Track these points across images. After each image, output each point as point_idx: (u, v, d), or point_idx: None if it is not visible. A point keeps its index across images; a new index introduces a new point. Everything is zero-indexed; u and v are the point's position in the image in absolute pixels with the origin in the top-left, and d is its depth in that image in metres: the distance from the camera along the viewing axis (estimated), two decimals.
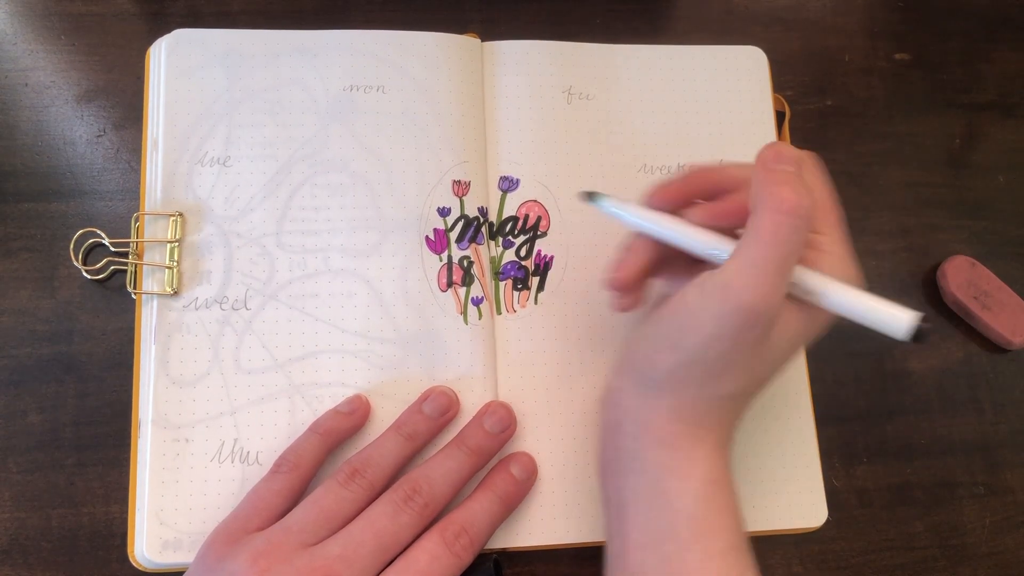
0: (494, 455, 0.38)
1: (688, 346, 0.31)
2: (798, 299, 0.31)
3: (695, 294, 0.31)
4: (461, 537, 0.35)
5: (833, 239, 0.32)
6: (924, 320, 0.29)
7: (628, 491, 0.33)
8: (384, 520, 0.34)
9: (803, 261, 0.31)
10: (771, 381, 0.33)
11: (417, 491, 0.35)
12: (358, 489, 0.35)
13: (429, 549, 0.34)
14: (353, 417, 0.38)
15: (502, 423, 0.38)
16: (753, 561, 0.32)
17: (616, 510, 0.34)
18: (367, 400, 0.39)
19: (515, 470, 0.38)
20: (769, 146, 0.31)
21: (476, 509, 0.36)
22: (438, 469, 0.36)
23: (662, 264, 0.36)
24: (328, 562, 0.32)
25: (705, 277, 0.31)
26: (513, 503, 0.38)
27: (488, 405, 0.39)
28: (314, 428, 0.38)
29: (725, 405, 0.33)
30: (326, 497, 0.34)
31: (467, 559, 0.35)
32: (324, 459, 0.37)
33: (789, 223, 0.29)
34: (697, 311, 0.31)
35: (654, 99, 0.46)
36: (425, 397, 0.39)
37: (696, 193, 0.35)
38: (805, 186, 0.30)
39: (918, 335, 0.29)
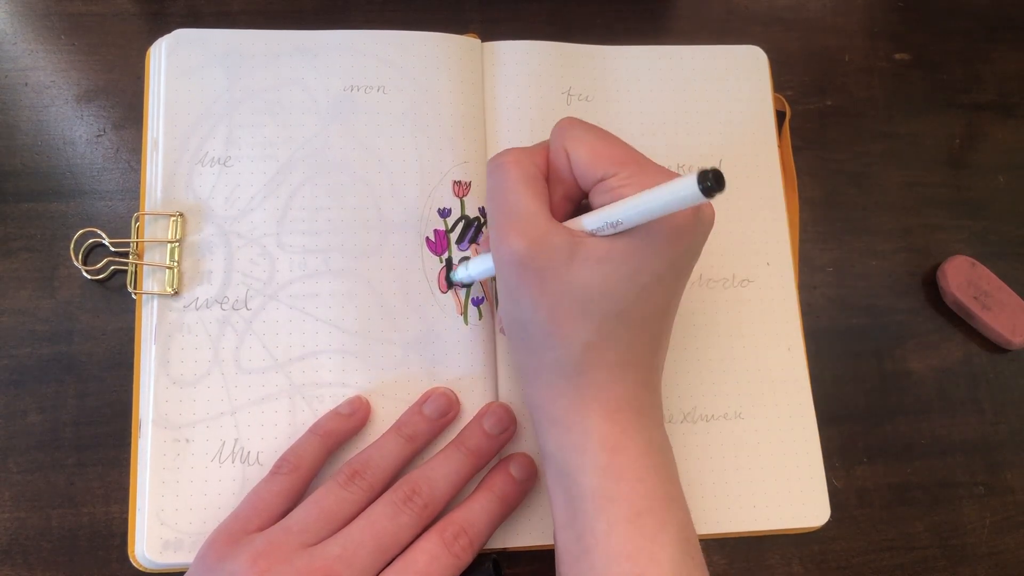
0: (494, 456, 0.38)
1: (517, 321, 0.33)
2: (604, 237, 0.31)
3: (496, 280, 0.33)
4: (460, 538, 0.35)
5: (623, 177, 0.32)
6: (706, 174, 0.26)
7: (548, 477, 0.34)
8: (384, 521, 0.34)
9: (599, 205, 0.32)
10: (637, 317, 0.32)
11: (417, 492, 0.35)
12: (358, 490, 0.35)
13: (428, 550, 0.34)
14: (353, 419, 0.38)
15: (501, 424, 0.38)
16: (678, 518, 0.32)
17: (549, 497, 0.35)
18: (367, 401, 0.39)
19: (514, 470, 0.38)
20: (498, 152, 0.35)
21: (475, 509, 0.36)
22: (438, 470, 0.36)
23: None
24: (328, 562, 0.32)
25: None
26: (513, 503, 0.38)
27: (488, 406, 0.39)
28: (314, 430, 0.38)
29: (595, 363, 0.32)
30: (326, 498, 0.35)
31: (466, 559, 0.35)
32: (324, 460, 0.37)
33: (496, 165, 0.34)
34: (501, 290, 0.34)
35: (654, 99, 0.46)
36: (425, 398, 0.39)
37: None
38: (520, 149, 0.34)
39: (707, 186, 0.25)
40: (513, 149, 0.35)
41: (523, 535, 0.39)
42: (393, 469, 0.36)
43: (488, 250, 0.36)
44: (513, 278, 0.32)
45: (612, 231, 0.31)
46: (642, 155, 0.33)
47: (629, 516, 0.31)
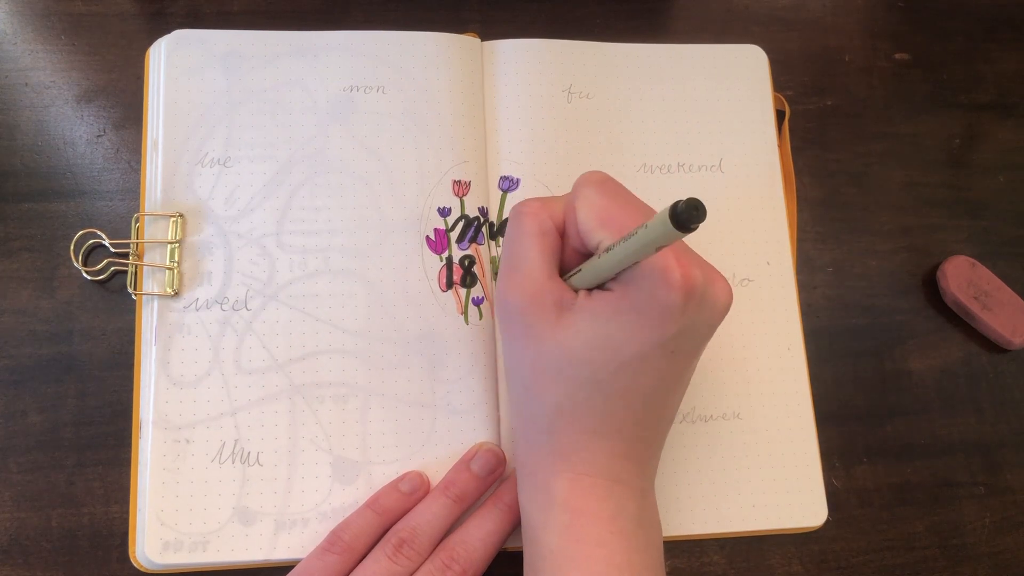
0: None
1: (507, 370, 0.34)
2: (596, 292, 0.31)
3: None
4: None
5: (610, 233, 0.31)
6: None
7: (522, 531, 0.35)
8: None
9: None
10: (613, 388, 0.31)
11: (455, 559, 0.35)
12: (406, 560, 0.35)
13: None
14: (413, 497, 0.38)
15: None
16: None
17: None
18: (427, 479, 0.38)
19: None
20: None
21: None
22: (475, 532, 0.36)
23: None
24: None
25: None
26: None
27: None
28: (372, 505, 0.37)
29: (568, 427, 0.32)
30: (375, 570, 0.35)
31: None
32: (379, 537, 0.37)
33: (516, 214, 0.34)
34: (501, 337, 0.35)
35: (654, 98, 0.46)
36: (472, 455, 0.38)
37: None
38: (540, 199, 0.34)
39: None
40: (534, 200, 0.34)
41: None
42: (440, 532, 0.36)
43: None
44: (507, 327, 0.33)
45: (594, 281, 0.31)
46: None
47: None
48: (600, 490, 0.32)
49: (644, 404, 0.32)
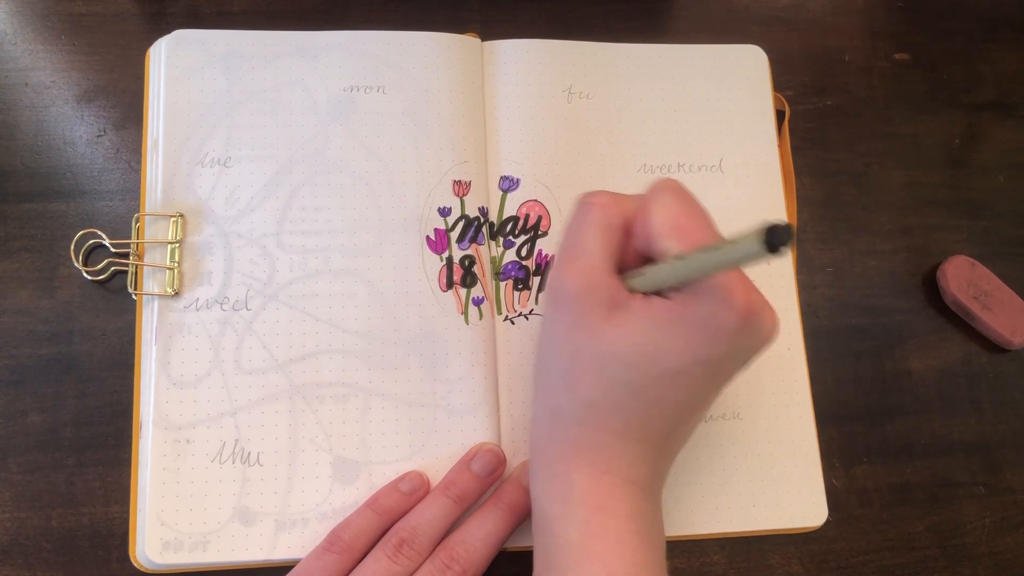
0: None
1: (542, 359, 0.34)
2: (652, 298, 0.31)
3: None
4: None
5: (674, 242, 0.30)
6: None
7: (533, 521, 0.35)
8: None
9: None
10: (651, 398, 0.31)
11: (455, 559, 0.35)
12: (406, 560, 0.35)
13: None
14: (413, 497, 0.38)
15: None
16: None
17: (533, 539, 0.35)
18: (427, 479, 0.39)
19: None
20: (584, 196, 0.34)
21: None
22: (475, 532, 0.36)
23: None
24: None
25: None
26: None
27: (525, 463, 0.39)
28: (372, 505, 0.37)
29: (594, 423, 0.32)
30: (375, 569, 0.35)
31: None
32: (379, 537, 0.37)
33: (584, 203, 0.33)
34: (542, 323, 0.34)
35: (654, 98, 0.46)
36: (472, 455, 0.38)
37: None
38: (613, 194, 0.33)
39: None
40: (605, 193, 0.33)
41: (524, 535, 0.39)
42: (441, 533, 0.37)
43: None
44: (554, 312, 0.33)
45: (655, 287, 0.30)
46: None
47: (601, 575, 0.31)
48: (619, 490, 0.32)
49: (674, 416, 0.32)
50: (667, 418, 0.32)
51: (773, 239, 0.23)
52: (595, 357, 0.31)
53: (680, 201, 0.31)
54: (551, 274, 0.33)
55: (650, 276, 0.31)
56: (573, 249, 0.32)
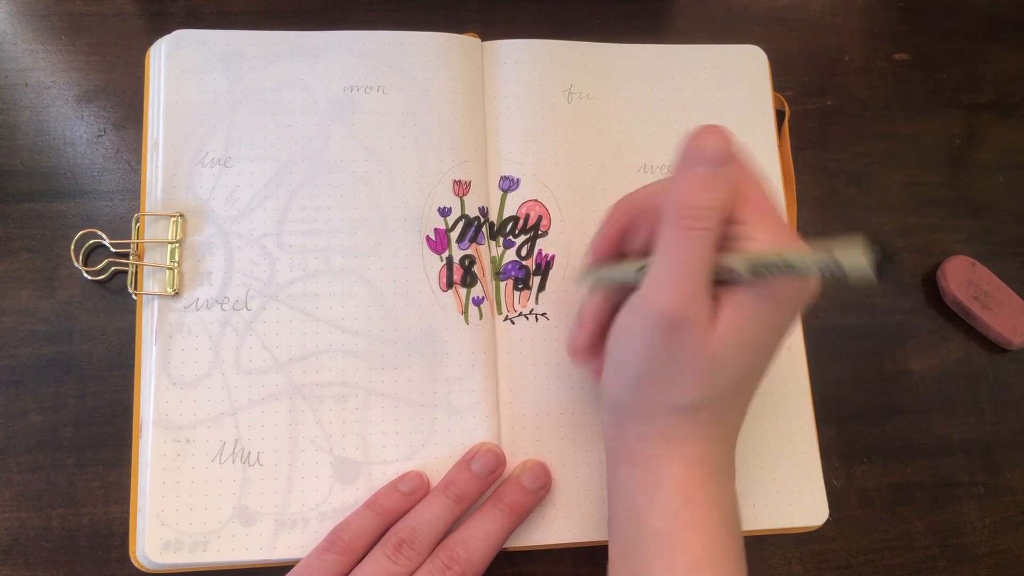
0: (532, 511, 0.39)
1: (629, 364, 0.32)
2: (739, 288, 0.30)
3: (624, 314, 0.32)
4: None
5: (759, 227, 0.30)
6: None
7: (612, 512, 0.34)
8: None
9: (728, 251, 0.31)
10: (746, 383, 0.32)
11: (455, 559, 0.35)
12: (406, 560, 0.35)
13: None
14: (413, 497, 0.38)
15: (539, 480, 0.39)
16: (734, 570, 0.32)
17: (608, 531, 0.35)
18: (427, 479, 0.39)
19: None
20: (692, 139, 0.31)
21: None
22: (475, 532, 0.37)
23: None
24: None
25: (631, 297, 0.31)
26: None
27: (525, 462, 0.39)
28: (372, 505, 0.37)
29: (689, 418, 0.32)
30: (374, 570, 0.35)
31: None
32: (379, 537, 0.37)
33: (691, 228, 0.30)
34: (627, 329, 0.32)
35: (654, 98, 0.46)
36: (472, 455, 0.38)
37: (628, 226, 0.35)
38: (715, 186, 0.30)
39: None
40: (707, 211, 0.30)
41: (524, 535, 0.39)
42: (440, 533, 0.37)
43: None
44: (647, 320, 0.31)
45: (750, 275, 0.29)
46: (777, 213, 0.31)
47: (689, 563, 0.31)
48: (709, 478, 0.32)
49: (753, 393, 0.33)
50: (749, 395, 0.33)
51: (883, 269, 0.23)
52: (704, 364, 0.30)
53: (769, 200, 0.31)
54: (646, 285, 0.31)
55: (744, 271, 0.30)
56: (687, 267, 0.30)
